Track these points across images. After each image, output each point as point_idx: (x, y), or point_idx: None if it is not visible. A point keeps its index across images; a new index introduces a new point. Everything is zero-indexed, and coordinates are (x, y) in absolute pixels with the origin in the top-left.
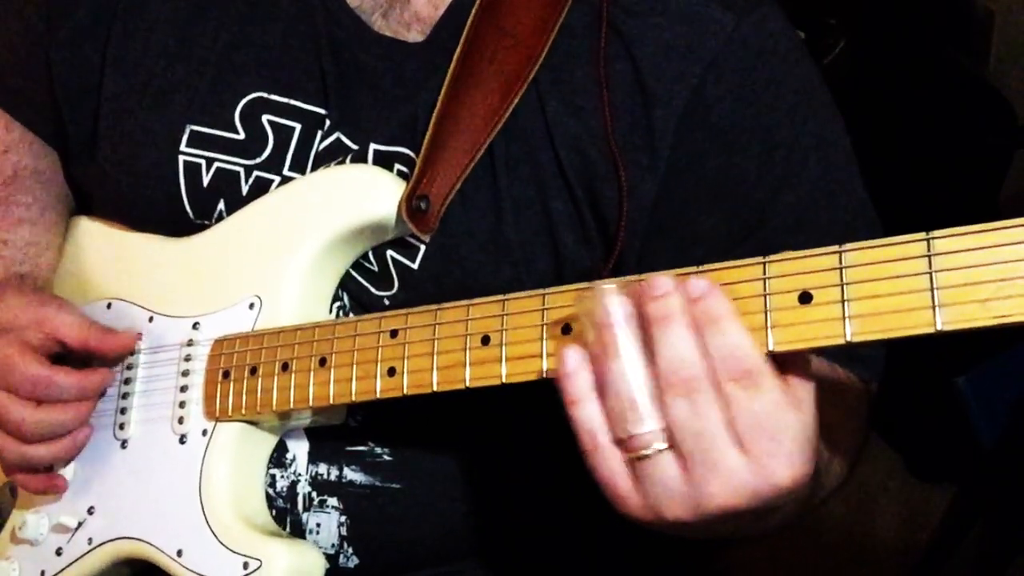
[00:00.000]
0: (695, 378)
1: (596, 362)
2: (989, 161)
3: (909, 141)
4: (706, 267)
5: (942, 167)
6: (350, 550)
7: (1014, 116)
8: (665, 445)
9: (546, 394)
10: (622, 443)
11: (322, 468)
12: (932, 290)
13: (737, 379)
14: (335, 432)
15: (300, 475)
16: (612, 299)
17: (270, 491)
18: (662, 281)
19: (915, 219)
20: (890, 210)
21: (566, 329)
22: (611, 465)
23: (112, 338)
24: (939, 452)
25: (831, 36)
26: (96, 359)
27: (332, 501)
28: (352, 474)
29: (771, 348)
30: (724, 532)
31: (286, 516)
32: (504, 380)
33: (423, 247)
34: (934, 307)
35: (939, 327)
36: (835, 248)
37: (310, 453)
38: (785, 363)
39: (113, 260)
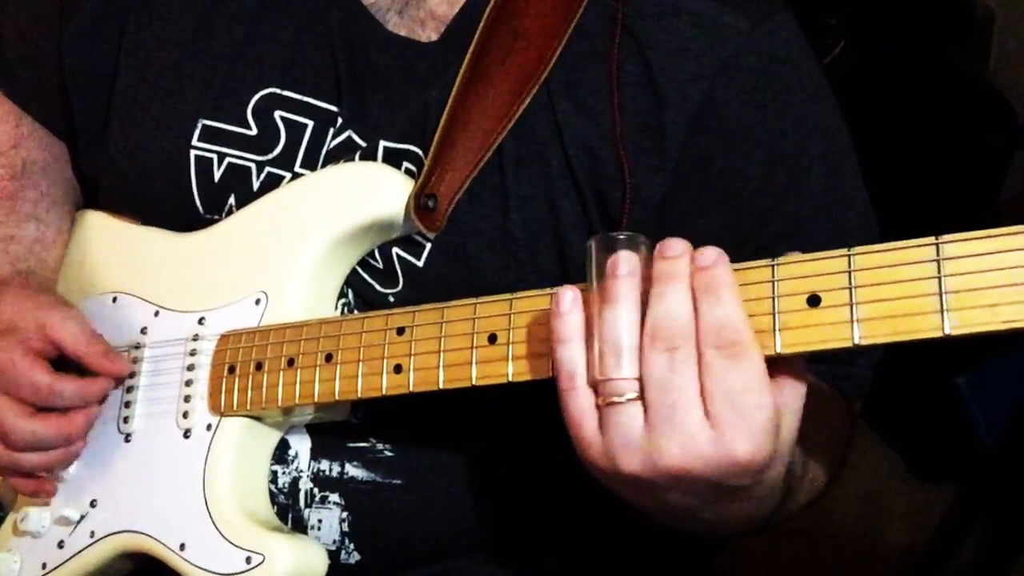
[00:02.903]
0: (679, 336)
1: (591, 306)
2: (989, 161)
3: (909, 141)
4: None
5: (942, 167)
6: (351, 546)
7: (1014, 116)
8: (635, 395)
9: (550, 392)
10: (596, 387)
11: (324, 464)
12: (941, 294)
13: (720, 347)
14: (337, 428)
15: (302, 471)
16: (622, 251)
17: (272, 487)
18: (676, 243)
19: (916, 219)
20: (891, 210)
21: None
22: (581, 407)
23: (108, 362)
24: (939, 452)
25: (831, 36)
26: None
27: (334, 497)
28: (354, 470)
29: (779, 350)
30: (680, 509)
31: (288, 512)
32: (511, 379)
33: (429, 245)
34: (942, 311)
35: (947, 331)
36: (844, 251)
37: (312, 450)
38: (779, 365)
39: (119, 254)
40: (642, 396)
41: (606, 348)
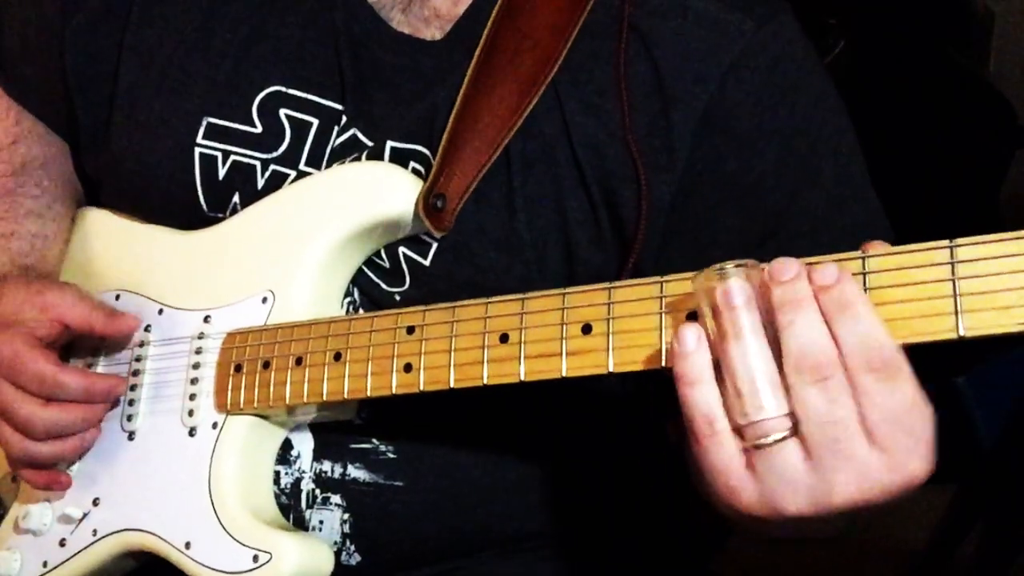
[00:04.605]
0: (827, 364)
1: (716, 344)
2: (989, 161)
3: (909, 141)
4: None
5: (942, 167)
6: (352, 547)
7: (1014, 116)
8: (787, 433)
9: (554, 394)
10: (739, 430)
11: (326, 465)
12: (955, 296)
13: (874, 370)
14: (340, 429)
15: (304, 472)
16: (735, 281)
17: (274, 488)
18: (790, 265)
19: (916, 219)
20: (891, 210)
21: (586, 328)
22: (726, 453)
23: (116, 321)
24: (939, 452)
25: (831, 36)
26: (104, 345)
27: (335, 498)
28: (356, 471)
29: None
30: (810, 530)
31: (289, 513)
32: (522, 378)
33: (435, 244)
34: (957, 313)
35: (961, 333)
36: (858, 254)
37: (315, 450)
38: None
39: (123, 252)
40: (796, 432)
41: (744, 387)
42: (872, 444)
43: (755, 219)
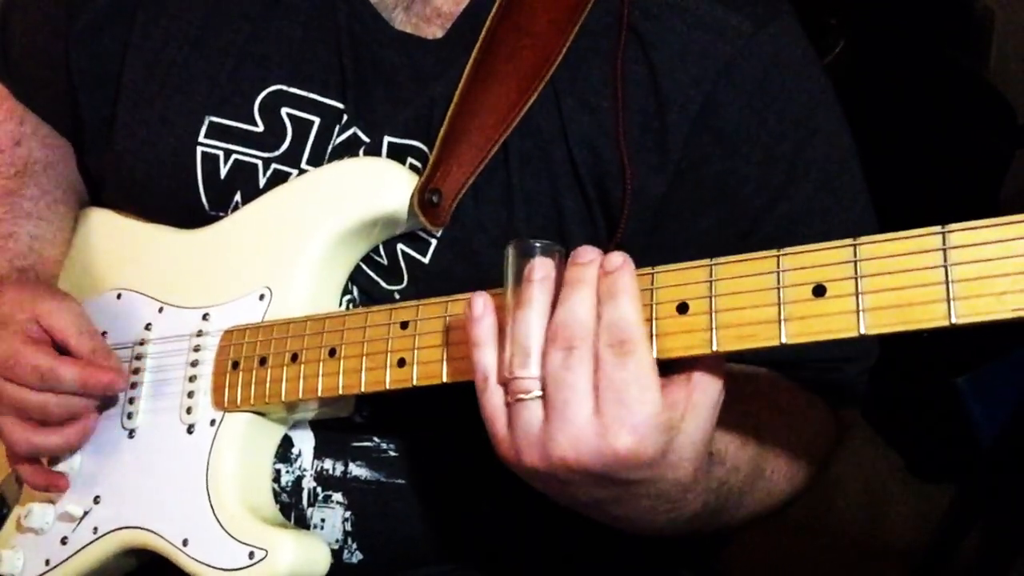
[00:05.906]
0: (576, 336)
1: (505, 310)
2: (989, 161)
3: (909, 141)
4: (720, 259)
5: (942, 167)
6: (354, 545)
7: (1014, 116)
8: (539, 393)
9: None
10: (506, 385)
11: (327, 463)
12: (947, 283)
13: (612, 345)
14: (341, 427)
15: (305, 470)
16: (538, 258)
17: (275, 486)
18: (588, 251)
19: (916, 219)
20: (890, 211)
21: None
22: (494, 405)
23: (98, 371)
24: (939, 452)
25: (831, 36)
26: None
27: (337, 496)
28: (357, 470)
29: (784, 341)
30: (586, 504)
31: (291, 511)
32: None
33: (434, 241)
34: (949, 300)
35: (953, 320)
36: (849, 241)
37: (316, 448)
38: (695, 362)
39: (124, 251)
40: (544, 394)
41: (515, 349)
42: (594, 412)
43: (732, 220)
